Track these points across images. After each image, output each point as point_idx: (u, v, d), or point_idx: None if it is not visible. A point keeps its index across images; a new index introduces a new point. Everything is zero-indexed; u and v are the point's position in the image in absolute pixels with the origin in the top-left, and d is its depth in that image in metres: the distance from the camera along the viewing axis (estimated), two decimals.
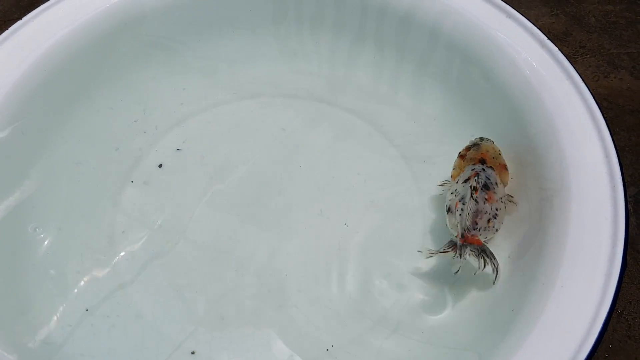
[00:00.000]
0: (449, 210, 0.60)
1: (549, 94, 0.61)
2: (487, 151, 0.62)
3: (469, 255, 0.56)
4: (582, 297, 0.49)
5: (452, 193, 0.61)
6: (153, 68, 0.77)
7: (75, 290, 0.63)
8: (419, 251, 0.64)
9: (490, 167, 0.61)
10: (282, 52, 0.82)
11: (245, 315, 0.62)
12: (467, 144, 0.65)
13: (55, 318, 0.61)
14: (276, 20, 0.80)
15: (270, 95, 0.79)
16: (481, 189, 0.58)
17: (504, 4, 0.68)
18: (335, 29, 0.79)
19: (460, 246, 0.56)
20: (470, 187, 0.58)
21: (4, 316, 0.57)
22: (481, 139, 0.65)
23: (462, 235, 0.57)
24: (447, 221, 0.60)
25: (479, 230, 0.57)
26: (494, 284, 0.58)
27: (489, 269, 0.57)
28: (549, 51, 0.64)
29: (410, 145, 0.72)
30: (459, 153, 0.65)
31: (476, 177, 0.58)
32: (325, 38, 0.80)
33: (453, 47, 0.69)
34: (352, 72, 0.79)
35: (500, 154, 0.63)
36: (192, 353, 0.59)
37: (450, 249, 0.57)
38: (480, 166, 0.60)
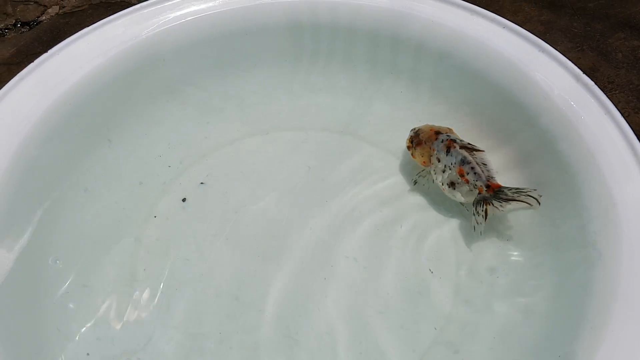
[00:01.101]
0: (452, 184, 0.63)
1: (586, 129, 0.60)
2: (431, 127, 0.67)
3: (502, 201, 0.60)
4: (636, 343, 0.46)
5: (442, 171, 0.64)
6: (177, 102, 0.76)
7: (94, 326, 0.61)
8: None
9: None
10: (303, 86, 0.81)
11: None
12: (407, 139, 0.69)
13: (71, 354, 0.58)
14: (296, 55, 0.79)
15: (293, 129, 0.77)
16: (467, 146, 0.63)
17: (536, 38, 0.67)
18: (358, 62, 0.78)
19: (491, 197, 0.60)
20: (463, 149, 0.63)
21: (21, 350, 0.55)
22: (413, 129, 0.69)
23: (488, 186, 0.60)
24: (455, 195, 0.64)
25: (493, 175, 0.62)
26: (539, 204, 0.61)
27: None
28: (585, 85, 0.63)
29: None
30: (409, 145, 0.68)
31: (458, 140, 0.64)
32: (348, 71, 0.79)
33: (485, 81, 0.68)
34: (378, 106, 0.78)
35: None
36: None
37: (483, 210, 0.60)
38: (444, 135, 0.65)
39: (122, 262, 0.65)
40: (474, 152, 0.63)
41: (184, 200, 0.70)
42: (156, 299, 0.63)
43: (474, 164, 0.62)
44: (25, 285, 0.59)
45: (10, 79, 0.88)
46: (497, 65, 0.67)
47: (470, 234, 0.64)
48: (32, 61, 0.95)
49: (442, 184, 0.65)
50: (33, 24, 1.01)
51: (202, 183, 0.72)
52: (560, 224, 0.60)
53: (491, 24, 0.69)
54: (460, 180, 0.62)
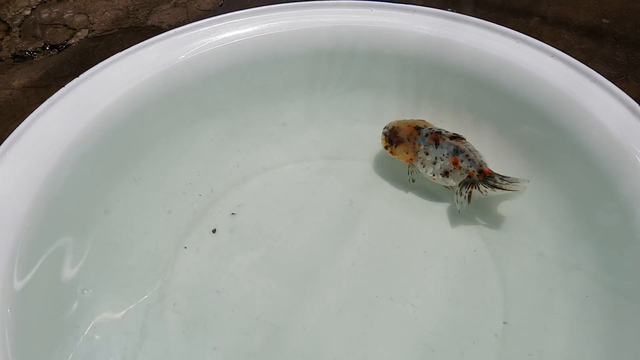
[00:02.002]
0: (446, 173, 0.65)
1: None
2: (406, 123, 0.68)
3: (489, 187, 0.62)
4: None
5: (433, 163, 0.65)
6: (209, 129, 0.74)
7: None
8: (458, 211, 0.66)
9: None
10: (338, 114, 0.78)
11: None
12: (383, 138, 0.69)
13: None
14: (331, 82, 0.77)
15: (328, 157, 0.75)
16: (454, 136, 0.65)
17: (587, 67, 0.64)
18: (396, 90, 0.76)
19: (479, 181, 0.63)
20: (453, 139, 0.64)
21: None
22: (386, 128, 0.69)
23: (480, 172, 0.63)
24: (448, 182, 0.65)
25: (485, 161, 0.64)
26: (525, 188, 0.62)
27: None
28: None
29: (488, 215, 0.67)
30: (387, 145, 0.68)
31: (443, 132, 0.65)
32: (386, 99, 0.77)
33: (535, 113, 0.65)
34: None
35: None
36: None
37: (467, 192, 0.63)
38: (426, 129, 0.66)
39: (151, 294, 0.62)
40: (464, 141, 0.65)
41: (214, 231, 0.67)
42: (187, 332, 0.60)
43: (467, 152, 0.64)
44: (52, 315, 0.57)
45: (38, 102, 0.87)
46: (545, 95, 0.64)
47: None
48: (61, 84, 0.94)
49: (434, 175, 0.66)
50: (62, 47, 1.00)
51: (233, 214, 0.69)
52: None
53: (538, 52, 0.67)
54: (453, 168, 0.64)
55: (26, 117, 0.91)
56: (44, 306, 0.56)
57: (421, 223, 0.68)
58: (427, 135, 0.65)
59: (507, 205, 0.66)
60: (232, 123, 0.75)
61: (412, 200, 0.70)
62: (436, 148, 0.65)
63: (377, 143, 0.74)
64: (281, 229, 0.68)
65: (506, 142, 0.69)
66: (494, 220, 0.66)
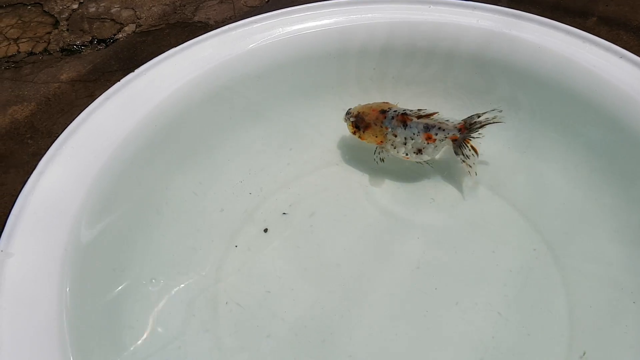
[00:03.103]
0: (419, 150, 0.66)
1: None
2: (370, 107, 0.67)
3: (477, 130, 0.64)
4: None
5: (404, 144, 0.66)
6: (260, 127, 0.73)
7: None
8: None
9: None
10: None
11: None
12: (349, 125, 0.68)
13: None
14: (387, 79, 0.75)
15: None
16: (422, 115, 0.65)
17: None
18: (452, 88, 0.73)
19: (466, 134, 0.64)
20: (420, 118, 0.65)
21: None
22: (347, 114, 0.68)
23: (459, 129, 0.64)
24: (422, 158, 0.66)
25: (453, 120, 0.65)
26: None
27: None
28: None
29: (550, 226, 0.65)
30: (354, 131, 0.68)
31: (409, 112, 0.65)
32: (439, 98, 0.74)
33: (602, 115, 0.62)
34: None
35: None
36: None
37: (470, 149, 0.65)
38: (391, 111, 0.66)
39: (203, 292, 0.61)
40: (431, 116, 0.65)
41: (265, 230, 0.66)
42: (238, 332, 0.59)
43: (438, 125, 0.64)
44: (105, 310, 0.56)
45: (86, 95, 0.87)
46: (613, 98, 0.62)
47: None
48: (109, 79, 0.94)
49: (407, 154, 0.67)
50: (109, 41, 1.00)
51: (284, 213, 0.68)
52: None
53: (606, 53, 0.64)
54: (426, 143, 0.65)
55: (74, 110, 0.91)
56: (98, 300, 0.56)
57: (479, 224, 0.66)
58: (393, 117, 0.65)
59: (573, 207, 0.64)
60: (285, 121, 0.74)
61: (468, 201, 0.68)
62: (405, 129, 0.65)
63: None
64: (333, 230, 0.67)
65: (568, 144, 0.66)
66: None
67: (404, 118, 0.65)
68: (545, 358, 0.55)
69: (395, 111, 0.66)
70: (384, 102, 0.68)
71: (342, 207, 0.68)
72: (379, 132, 0.67)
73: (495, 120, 0.64)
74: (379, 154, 0.69)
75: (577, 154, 0.66)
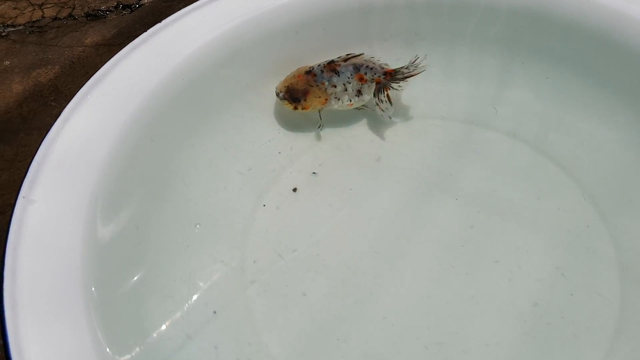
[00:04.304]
0: (359, 92, 0.65)
1: None
2: (294, 75, 0.66)
3: (399, 81, 0.65)
4: None
5: (345, 90, 0.65)
6: None
7: (200, 315, 0.54)
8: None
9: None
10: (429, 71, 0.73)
11: None
12: (286, 103, 0.65)
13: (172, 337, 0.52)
14: (422, 37, 0.71)
15: (415, 117, 0.70)
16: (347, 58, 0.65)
17: None
18: (492, 44, 0.70)
19: (389, 82, 0.65)
20: (347, 61, 0.65)
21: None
22: (280, 93, 0.66)
23: (385, 74, 0.65)
24: (364, 99, 0.66)
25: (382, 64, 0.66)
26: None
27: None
28: None
29: (597, 184, 0.61)
30: (295, 105, 0.65)
31: (335, 60, 0.65)
32: (477, 54, 0.71)
33: None
34: (512, 91, 0.70)
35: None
36: None
37: (385, 96, 0.66)
38: (316, 66, 0.65)
39: (231, 252, 0.58)
40: (357, 57, 0.65)
41: (294, 190, 0.63)
42: (265, 292, 0.56)
43: (365, 63, 0.65)
44: (132, 268, 0.54)
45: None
46: None
47: None
48: None
49: (351, 101, 0.66)
50: (134, 6, 0.98)
51: (314, 173, 0.65)
52: None
53: None
54: (361, 84, 0.65)
55: None
56: (121, 254, 0.54)
57: (523, 183, 0.62)
58: (322, 71, 0.65)
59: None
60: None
61: (516, 165, 0.64)
62: (339, 76, 0.65)
63: (473, 104, 0.69)
64: (362, 190, 0.63)
65: (619, 102, 0.63)
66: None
67: (332, 66, 0.65)
68: (594, 322, 0.52)
69: (319, 65, 0.65)
70: (301, 67, 0.67)
71: (373, 168, 0.65)
72: (319, 90, 0.65)
73: (421, 70, 0.65)
74: (320, 120, 0.67)
75: (628, 113, 0.62)
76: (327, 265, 0.58)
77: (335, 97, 0.65)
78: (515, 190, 0.62)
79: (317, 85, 0.65)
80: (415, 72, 0.65)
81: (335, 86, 0.65)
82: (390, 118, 0.67)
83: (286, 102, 0.65)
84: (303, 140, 0.67)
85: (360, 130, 0.69)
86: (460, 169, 0.64)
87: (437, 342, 0.52)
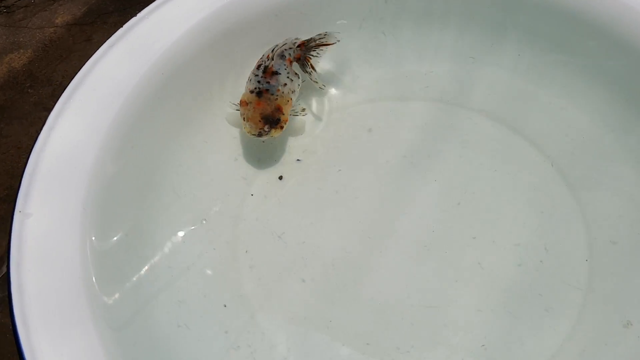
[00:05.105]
0: (295, 75, 0.65)
1: None
2: (251, 109, 0.62)
3: (315, 49, 0.66)
4: None
5: (291, 81, 0.64)
6: None
7: (194, 304, 0.57)
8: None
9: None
10: (413, 52, 0.74)
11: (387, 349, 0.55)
12: (274, 132, 0.62)
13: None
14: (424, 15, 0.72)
15: (391, 98, 0.71)
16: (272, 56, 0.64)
17: None
18: (472, 22, 0.71)
19: (306, 52, 0.66)
20: (275, 59, 0.64)
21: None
22: (260, 135, 0.62)
23: (298, 46, 0.66)
24: (313, 76, 0.68)
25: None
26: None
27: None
28: None
29: (568, 161, 0.64)
30: (282, 127, 0.63)
31: (263, 65, 0.63)
32: (456, 33, 0.72)
33: (627, 47, 0.60)
34: (485, 69, 0.71)
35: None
36: None
37: (309, 66, 0.67)
38: (257, 84, 0.62)
39: (221, 243, 0.61)
40: (277, 47, 0.65)
41: (280, 178, 0.66)
42: (259, 279, 0.59)
43: (284, 47, 0.65)
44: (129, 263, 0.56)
45: (83, 40, 0.84)
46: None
47: None
48: (105, 21, 0.90)
49: (299, 85, 0.66)
50: None
51: (298, 160, 0.67)
52: None
53: None
54: (291, 66, 0.65)
55: (73, 56, 0.88)
56: (120, 254, 0.56)
57: (497, 161, 0.66)
58: (267, 82, 0.62)
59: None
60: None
61: (490, 143, 0.67)
62: (280, 74, 0.63)
63: (453, 83, 0.70)
64: (346, 175, 0.66)
65: (590, 78, 0.65)
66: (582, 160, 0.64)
67: (270, 71, 0.62)
68: (564, 293, 0.57)
69: (258, 82, 0.62)
70: (240, 100, 0.63)
71: (355, 151, 0.68)
72: (281, 98, 0.62)
73: (327, 41, 0.66)
74: (300, 111, 0.67)
75: (598, 88, 0.65)
76: (316, 250, 0.61)
77: (292, 92, 0.64)
78: (490, 169, 0.65)
79: (276, 95, 0.62)
80: (328, 41, 0.66)
81: (285, 84, 0.63)
82: (325, 86, 0.70)
83: (273, 131, 0.62)
84: (287, 128, 0.69)
85: (340, 116, 0.70)
86: (437, 150, 0.67)
87: (421, 318, 0.57)
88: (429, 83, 0.71)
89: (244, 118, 0.62)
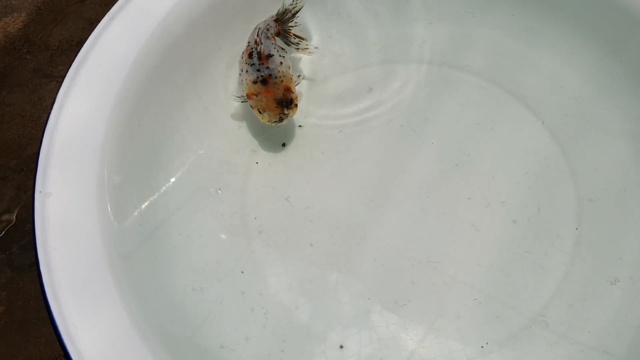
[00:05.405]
0: (283, 50, 0.65)
1: None
2: (263, 98, 0.62)
3: (290, 20, 0.66)
4: None
5: (284, 58, 0.63)
6: None
7: (206, 274, 0.61)
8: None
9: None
10: (400, 13, 0.74)
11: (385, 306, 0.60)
12: (292, 112, 0.62)
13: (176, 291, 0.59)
14: None
15: (385, 62, 0.73)
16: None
17: None
18: None
19: (284, 25, 0.66)
20: (257, 42, 0.63)
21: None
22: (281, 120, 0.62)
23: (274, 21, 0.65)
24: (300, 43, 0.67)
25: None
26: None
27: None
28: None
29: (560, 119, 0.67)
30: (294, 106, 0.62)
31: (255, 51, 0.62)
32: None
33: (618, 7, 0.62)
34: (479, 29, 0.72)
35: None
36: (341, 347, 0.58)
37: (294, 37, 0.67)
38: (255, 71, 0.62)
39: (232, 211, 0.64)
40: (258, 30, 0.64)
41: (283, 145, 0.68)
42: (268, 245, 0.63)
43: (263, 27, 0.64)
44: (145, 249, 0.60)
45: (77, 1, 0.83)
46: None
47: None
48: None
49: (307, 47, 0.67)
50: None
51: (300, 126, 0.69)
52: None
53: None
54: (277, 42, 0.65)
55: (68, 19, 0.88)
56: (136, 227, 0.59)
57: (489, 123, 0.68)
58: (267, 67, 0.62)
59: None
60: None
61: (484, 105, 0.69)
62: (273, 55, 0.62)
63: (442, 46, 0.71)
64: (346, 141, 0.68)
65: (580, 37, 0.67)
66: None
67: (264, 57, 0.62)
68: (554, 251, 0.61)
69: (257, 70, 0.62)
70: (248, 93, 0.62)
71: (357, 116, 0.69)
72: (285, 77, 0.62)
73: (298, 6, 0.65)
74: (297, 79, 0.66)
75: (590, 49, 0.67)
76: (322, 214, 0.64)
77: (289, 68, 0.64)
78: (485, 131, 0.67)
79: (280, 77, 0.62)
80: (297, 8, 0.65)
81: (281, 63, 0.63)
82: (312, 52, 0.69)
83: (291, 112, 0.62)
84: None
85: (341, 80, 0.71)
86: (433, 112, 0.69)
87: (419, 275, 0.61)
88: (426, 45, 0.72)
89: (258, 110, 0.61)
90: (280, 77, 0.62)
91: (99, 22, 0.63)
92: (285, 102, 0.61)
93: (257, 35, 0.63)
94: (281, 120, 0.61)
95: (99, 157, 0.57)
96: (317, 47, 0.70)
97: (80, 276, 0.51)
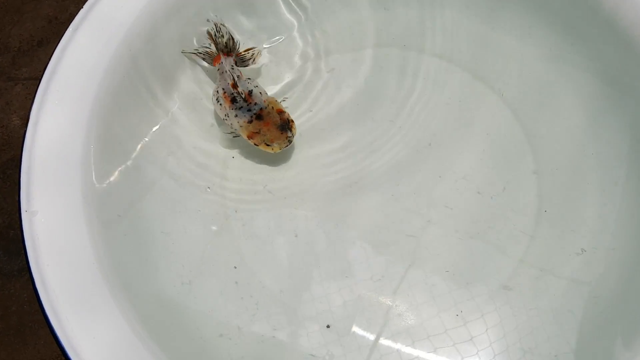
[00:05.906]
0: (250, 91, 0.64)
1: None
2: (266, 122, 0.63)
3: (234, 49, 0.67)
4: None
5: (251, 82, 0.65)
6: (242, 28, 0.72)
7: (190, 264, 0.64)
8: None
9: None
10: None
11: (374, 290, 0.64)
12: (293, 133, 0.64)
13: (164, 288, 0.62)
14: None
15: (348, 46, 0.74)
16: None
17: None
18: None
19: (229, 56, 0.66)
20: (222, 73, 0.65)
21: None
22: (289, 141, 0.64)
23: (222, 53, 0.66)
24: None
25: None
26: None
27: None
28: None
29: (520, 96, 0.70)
30: (293, 128, 0.64)
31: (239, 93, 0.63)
32: None
33: None
34: (438, 11, 0.74)
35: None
36: (328, 327, 0.62)
37: (250, 55, 0.68)
38: (241, 102, 0.63)
39: (211, 206, 0.66)
40: (233, 80, 0.64)
41: None
42: (251, 236, 0.65)
43: (230, 88, 0.64)
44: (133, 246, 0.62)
45: (38, 14, 0.81)
46: None
47: None
48: None
49: (259, 53, 0.68)
50: None
51: None
52: None
53: None
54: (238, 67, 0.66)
55: (25, 18, 0.86)
56: (123, 236, 0.61)
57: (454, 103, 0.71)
58: (253, 104, 0.63)
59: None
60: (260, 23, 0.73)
61: (448, 84, 0.72)
62: (252, 90, 0.64)
63: (405, 28, 0.73)
64: (320, 125, 0.70)
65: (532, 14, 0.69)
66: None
67: (247, 95, 0.64)
68: (517, 220, 0.66)
69: (249, 110, 0.63)
70: (248, 134, 0.64)
71: (329, 101, 0.72)
72: (272, 103, 0.64)
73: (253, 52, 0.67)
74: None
75: (544, 26, 0.69)
76: (302, 199, 0.67)
77: (264, 91, 0.66)
78: (450, 112, 0.70)
79: (268, 104, 0.64)
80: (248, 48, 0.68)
81: (260, 92, 0.65)
82: (262, 64, 0.70)
83: (294, 130, 0.64)
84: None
85: (309, 67, 0.73)
86: (399, 95, 0.71)
87: (398, 256, 0.65)
88: (390, 28, 0.74)
89: (265, 144, 0.63)
90: (267, 105, 0.63)
91: (58, 19, 0.62)
92: (286, 124, 0.63)
93: (232, 79, 0.64)
94: (290, 142, 0.63)
95: (80, 171, 0.58)
96: (265, 47, 0.71)
97: (75, 289, 0.53)
